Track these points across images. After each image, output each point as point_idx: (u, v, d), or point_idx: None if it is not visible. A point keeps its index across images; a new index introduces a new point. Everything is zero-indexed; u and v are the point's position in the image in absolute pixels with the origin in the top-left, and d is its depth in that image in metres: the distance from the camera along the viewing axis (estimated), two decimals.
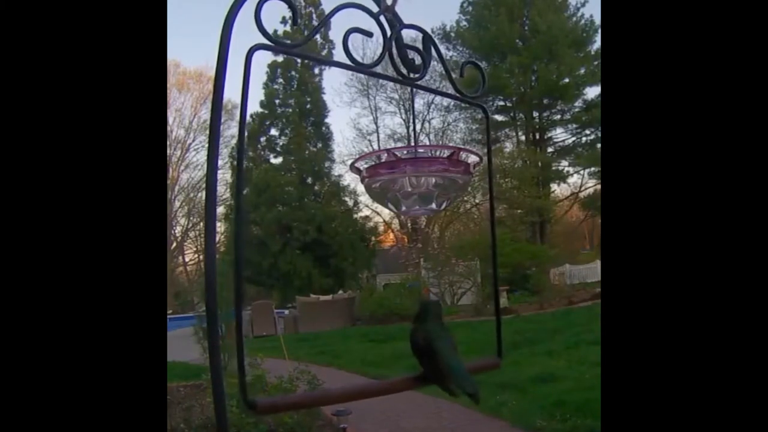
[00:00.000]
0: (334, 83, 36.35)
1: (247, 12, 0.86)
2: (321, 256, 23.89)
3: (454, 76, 1.11)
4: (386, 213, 23.75)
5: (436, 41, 1.07)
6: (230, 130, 22.66)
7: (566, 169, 26.50)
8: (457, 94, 1.14)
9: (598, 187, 23.55)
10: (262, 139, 26.19)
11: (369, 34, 0.96)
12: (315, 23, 24.63)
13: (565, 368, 6.60)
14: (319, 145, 26.51)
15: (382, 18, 0.99)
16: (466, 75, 1.15)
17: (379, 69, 1.02)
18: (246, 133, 0.93)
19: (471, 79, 1.17)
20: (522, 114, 26.02)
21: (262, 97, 25.64)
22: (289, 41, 0.97)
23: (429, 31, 1.08)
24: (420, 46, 1.06)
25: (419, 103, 24.72)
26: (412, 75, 1.04)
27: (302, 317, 15.85)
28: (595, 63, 23.56)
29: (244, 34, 0.88)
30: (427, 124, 26.59)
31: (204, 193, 0.85)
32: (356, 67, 0.98)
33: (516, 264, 15.01)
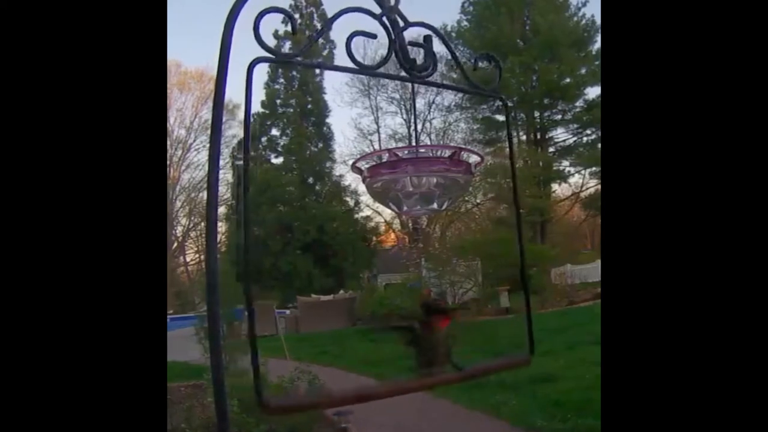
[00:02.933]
0: (335, 83, 36.37)
1: (248, 13, 0.86)
2: (322, 256, 23.88)
3: (471, 67, 1.10)
4: (387, 213, 23.75)
5: (440, 40, 1.07)
6: (231, 130, 22.67)
7: (567, 169, 26.48)
8: (471, 89, 1.13)
9: (599, 187, 23.50)
10: (264, 139, 26.20)
11: (373, 36, 0.96)
12: (316, 23, 24.64)
13: (565, 368, 6.59)
14: (320, 145, 26.52)
15: (384, 18, 0.99)
16: (466, 74, 1.15)
17: (381, 67, 1.02)
18: (250, 143, 0.94)
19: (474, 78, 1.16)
20: (523, 114, 25.96)
21: (263, 97, 25.66)
22: (289, 42, 0.97)
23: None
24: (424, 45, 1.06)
25: (420, 103, 24.74)
26: (419, 73, 1.03)
27: (303, 317, 15.84)
28: (596, 63, 23.50)
29: (246, 34, 0.88)
30: (428, 124, 26.59)
31: (205, 193, 0.86)
32: (362, 70, 0.98)
33: (517, 264, 14.93)
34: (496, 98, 1.23)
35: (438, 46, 1.08)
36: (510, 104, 24.70)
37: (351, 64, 0.97)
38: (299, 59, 1.01)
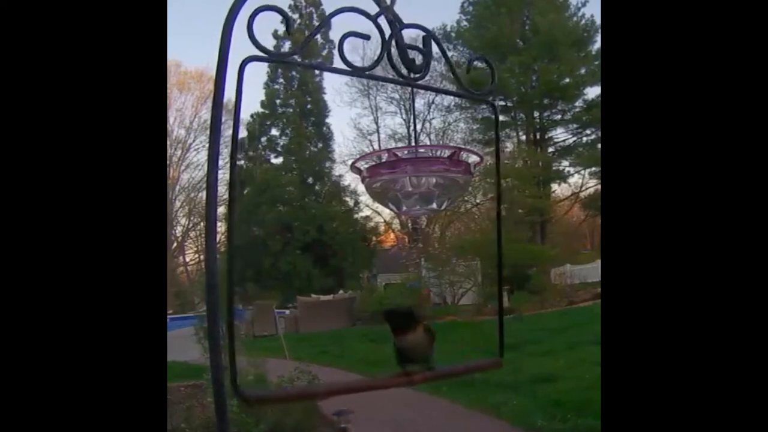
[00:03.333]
0: (335, 83, 36.33)
1: (248, 13, 0.86)
2: (321, 256, 23.89)
3: (461, 71, 1.10)
4: (387, 213, 23.73)
5: (434, 41, 1.07)
6: (231, 130, 22.62)
7: (567, 169, 26.44)
8: (462, 92, 1.13)
9: (599, 187, 23.48)
10: (263, 139, 26.21)
11: (366, 37, 0.96)
12: (315, 23, 24.63)
13: (565, 368, 6.60)
14: (320, 145, 26.53)
15: (381, 19, 0.98)
16: (458, 77, 1.15)
17: (380, 68, 1.01)
18: (237, 146, 0.94)
19: (470, 79, 1.16)
20: (523, 114, 25.95)
21: (263, 97, 25.68)
22: (289, 43, 0.97)
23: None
24: (420, 45, 1.06)
25: (420, 103, 24.72)
26: (413, 75, 1.03)
27: (303, 317, 15.84)
28: (596, 63, 23.46)
29: (246, 34, 0.88)
30: (427, 124, 26.58)
31: (205, 193, 0.86)
32: (353, 71, 0.98)
33: (516, 264, 14.98)
34: (485, 103, 1.23)
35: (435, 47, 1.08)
36: (509, 104, 24.89)
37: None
38: (295, 58, 1.01)
